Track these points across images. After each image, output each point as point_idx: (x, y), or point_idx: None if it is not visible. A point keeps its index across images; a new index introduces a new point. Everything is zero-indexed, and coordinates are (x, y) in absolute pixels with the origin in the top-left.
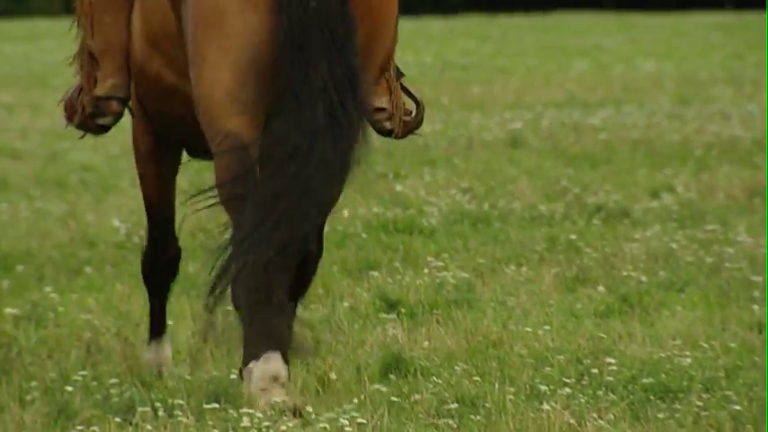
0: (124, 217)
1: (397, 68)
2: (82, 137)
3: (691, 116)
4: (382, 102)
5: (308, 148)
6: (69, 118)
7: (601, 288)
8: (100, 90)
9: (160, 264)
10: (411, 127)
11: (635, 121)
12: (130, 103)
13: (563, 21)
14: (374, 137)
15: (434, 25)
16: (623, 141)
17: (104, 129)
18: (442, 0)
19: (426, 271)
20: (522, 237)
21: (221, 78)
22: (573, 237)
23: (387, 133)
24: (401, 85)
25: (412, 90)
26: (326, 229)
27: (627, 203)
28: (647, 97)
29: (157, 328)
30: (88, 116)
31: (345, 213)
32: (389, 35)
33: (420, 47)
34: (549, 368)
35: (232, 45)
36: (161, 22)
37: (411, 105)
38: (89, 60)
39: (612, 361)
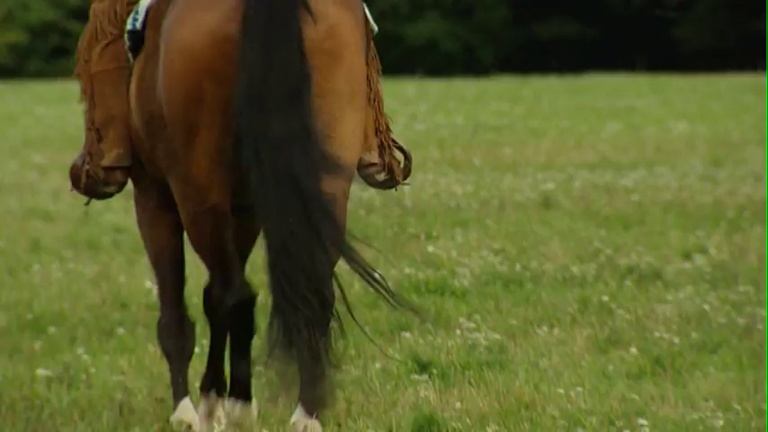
0: None
1: (386, 122)
2: (87, 203)
3: (723, 178)
4: (373, 157)
5: (270, 196)
6: (75, 184)
7: (633, 350)
8: (106, 160)
9: (175, 327)
10: (399, 178)
11: (667, 182)
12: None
13: (595, 82)
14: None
15: (467, 87)
16: (655, 203)
17: (109, 195)
18: (474, 61)
19: (458, 332)
20: (554, 298)
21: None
22: (605, 298)
23: (377, 185)
24: (391, 139)
25: (400, 142)
26: (359, 289)
27: (659, 265)
28: (680, 159)
29: (180, 389)
30: (94, 184)
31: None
32: (358, 63)
33: (452, 108)
34: (581, 430)
35: (213, 120)
36: (151, 100)
37: (400, 157)
38: (93, 131)
39: (645, 423)
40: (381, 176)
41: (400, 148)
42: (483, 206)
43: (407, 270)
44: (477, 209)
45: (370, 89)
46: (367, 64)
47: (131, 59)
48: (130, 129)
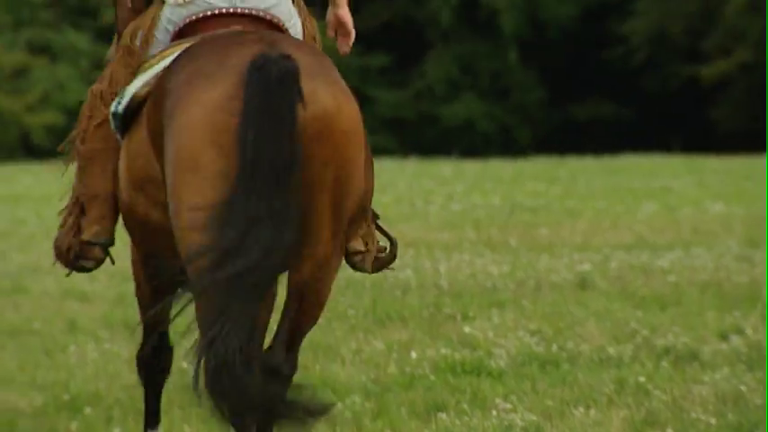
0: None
1: (373, 211)
2: (68, 275)
3: (759, 259)
4: (359, 245)
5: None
6: (57, 256)
7: (670, 431)
8: (85, 235)
9: (153, 362)
10: (384, 263)
11: (704, 263)
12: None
13: (631, 163)
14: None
15: (503, 167)
16: (692, 283)
17: (88, 270)
18: (511, 142)
19: (494, 413)
20: (591, 379)
21: (198, 219)
22: (641, 379)
23: (362, 271)
24: (377, 225)
25: (386, 229)
26: (394, 370)
27: (696, 346)
28: (716, 239)
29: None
30: (73, 258)
31: (413, 355)
32: (359, 177)
33: (488, 189)
34: None
35: (206, 187)
36: (144, 167)
37: (385, 242)
38: (76, 205)
39: None
40: (366, 264)
41: (387, 235)
42: (519, 287)
43: (443, 351)
44: (514, 289)
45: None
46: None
47: (120, 140)
48: (114, 207)
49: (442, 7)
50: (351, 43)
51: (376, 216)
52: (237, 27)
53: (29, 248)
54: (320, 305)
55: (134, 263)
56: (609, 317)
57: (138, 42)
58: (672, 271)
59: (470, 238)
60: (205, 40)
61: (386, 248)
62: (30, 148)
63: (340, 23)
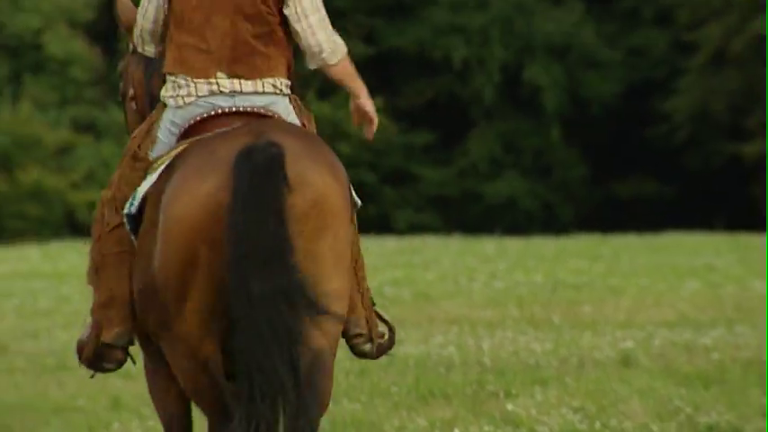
0: None
1: (371, 297)
2: (92, 376)
3: None
4: (360, 327)
5: (256, 357)
6: (80, 358)
7: None
8: (105, 337)
9: None
10: (384, 349)
11: (747, 341)
12: None
13: (674, 241)
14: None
15: (545, 244)
16: (735, 361)
17: (110, 370)
18: (553, 219)
19: None
20: None
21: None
22: None
23: (363, 355)
24: (374, 311)
25: (384, 316)
26: None
27: (739, 423)
28: (759, 317)
29: None
30: (95, 360)
31: None
32: (343, 231)
33: (531, 266)
34: None
35: (207, 283)
36: (146, 270)
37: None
38: (97, 308)
39: None
40: (367, 347)
41: (385, 321)
42: (562, 364)
43: (487, 428)
44: (557, 366)
45: (355, 261)
46: (357, 255)
47: (135, 242)
48: (132, 308)
49: (485, 85)
50: (374, 129)
51: (372, 303)
52: (238, 124)
53: (73, 326)
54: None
55: (146, 369)
56: (652, 394)
57: (143, 146)
58: (715, 348)
59: (513, 316)
60: (199, 140)
61: (384, 334)
62: (75, 226)
63: (362, 113)
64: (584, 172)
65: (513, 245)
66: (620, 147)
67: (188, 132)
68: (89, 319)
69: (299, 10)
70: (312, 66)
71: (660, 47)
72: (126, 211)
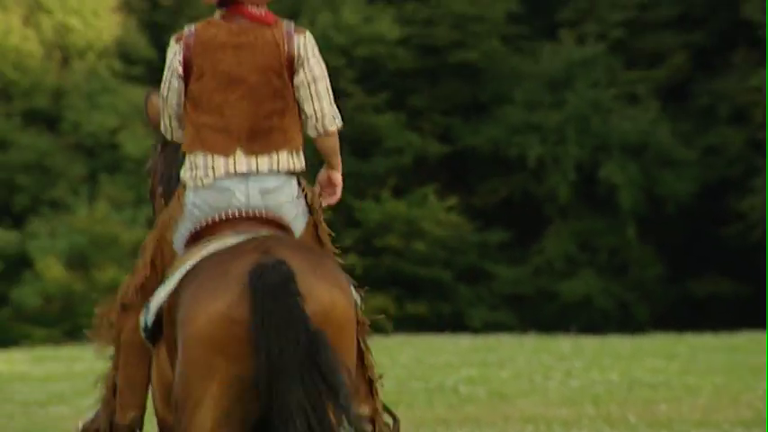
0: None
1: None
2: None
3: None
4: (365, 410)
5: None
6: None
7: None
8: (121, 419)
9: None
10: None
11: None
12: None
13: (750, 340)
14: None
15: (621, 343)
16: None
17: None
18: (629, 318)
19: None
20: None
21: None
22: None
23: None
24: (381, 402)
25: (388, 407)
26: None
27: None
28: None
29: None
30: None
31: None
32: (351, 361)
33: (606, 365)
34: None
35: (221, 391)
36: (169, 378)
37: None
38: (113, 389)
39: None
40: (368, 428)
41: (390, 413)
42: None
43: None
44: None
45: (363, 363)
46: (364, 348)
47: (152, 348)
48: (147, 396)
49: (560, 183)
50: (334, 202)
51: (378, 393)
52: (244, 228)
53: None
54: None
55: None
56: None
57: (168, 233)
58: None
59: (589, 414)
60: (207, 257)
61: (389, 425)
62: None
63: (329, 183)
64: (659, 271)
65: (589, 343)
66: (696, 245)
67: (199, 234)
68: (103, 400)
69: (309, 77)
70: (311, 133)
71: (736, 145)
72: (142, 324)
